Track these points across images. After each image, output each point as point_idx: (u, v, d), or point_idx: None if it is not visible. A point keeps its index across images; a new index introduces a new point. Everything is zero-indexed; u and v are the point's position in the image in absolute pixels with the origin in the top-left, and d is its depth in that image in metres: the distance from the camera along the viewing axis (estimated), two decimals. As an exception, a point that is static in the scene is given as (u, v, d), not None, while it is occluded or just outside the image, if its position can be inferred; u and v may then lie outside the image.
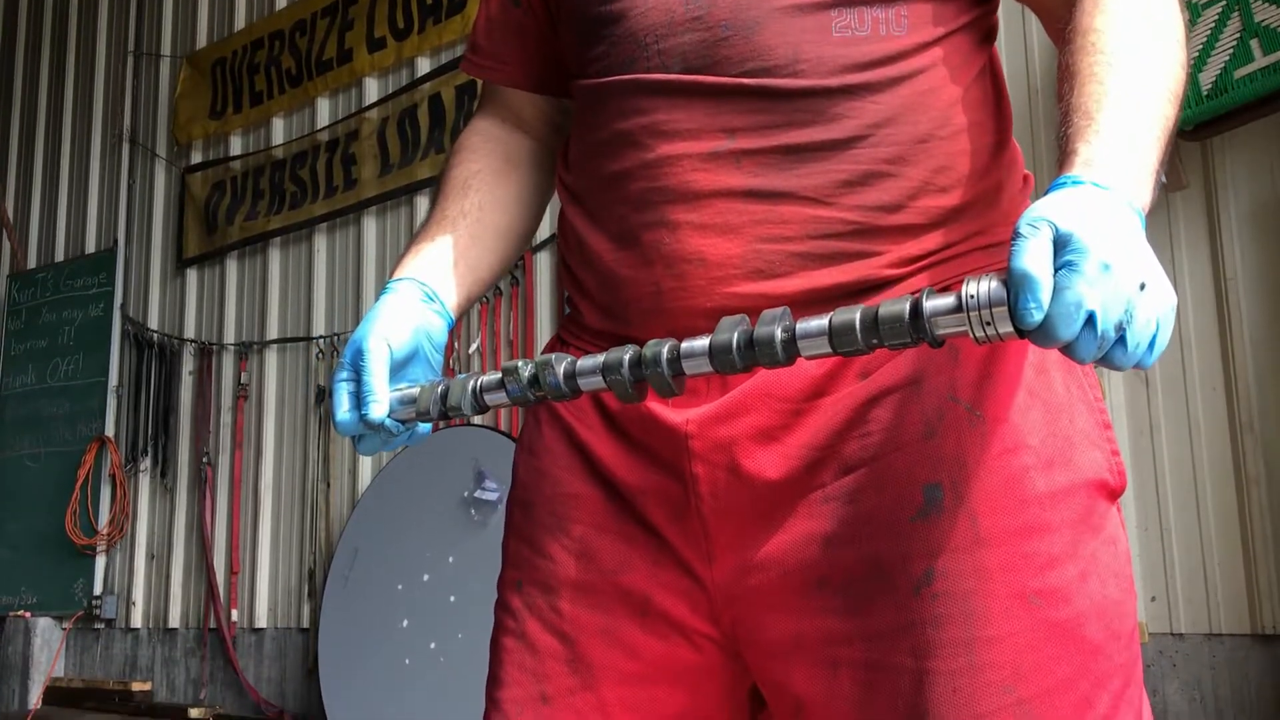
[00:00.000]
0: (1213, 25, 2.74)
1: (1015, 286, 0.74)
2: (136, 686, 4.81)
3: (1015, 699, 0.87)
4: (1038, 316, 0.74)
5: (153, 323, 5.33)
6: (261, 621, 4.65)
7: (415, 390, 1.00)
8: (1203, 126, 2.79)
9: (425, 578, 3.88)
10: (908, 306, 0.78)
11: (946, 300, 0.77)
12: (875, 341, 0.80)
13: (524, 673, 1.04)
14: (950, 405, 0.94)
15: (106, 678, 5.09)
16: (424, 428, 1.04)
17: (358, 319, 4.57)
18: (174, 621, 4.96)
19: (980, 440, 0.93)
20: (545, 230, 3.74)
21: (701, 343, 0.85)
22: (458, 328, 0.94)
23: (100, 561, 5.22)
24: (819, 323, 0.81)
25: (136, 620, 5.12)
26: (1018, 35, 3.23)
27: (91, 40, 5.96)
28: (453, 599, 3.78)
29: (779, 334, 0.82)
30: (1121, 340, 0.75)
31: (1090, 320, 0.74)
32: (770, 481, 0.96)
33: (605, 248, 1.04)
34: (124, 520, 5.18)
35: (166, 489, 5.12)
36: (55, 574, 5.28)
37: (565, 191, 1.13)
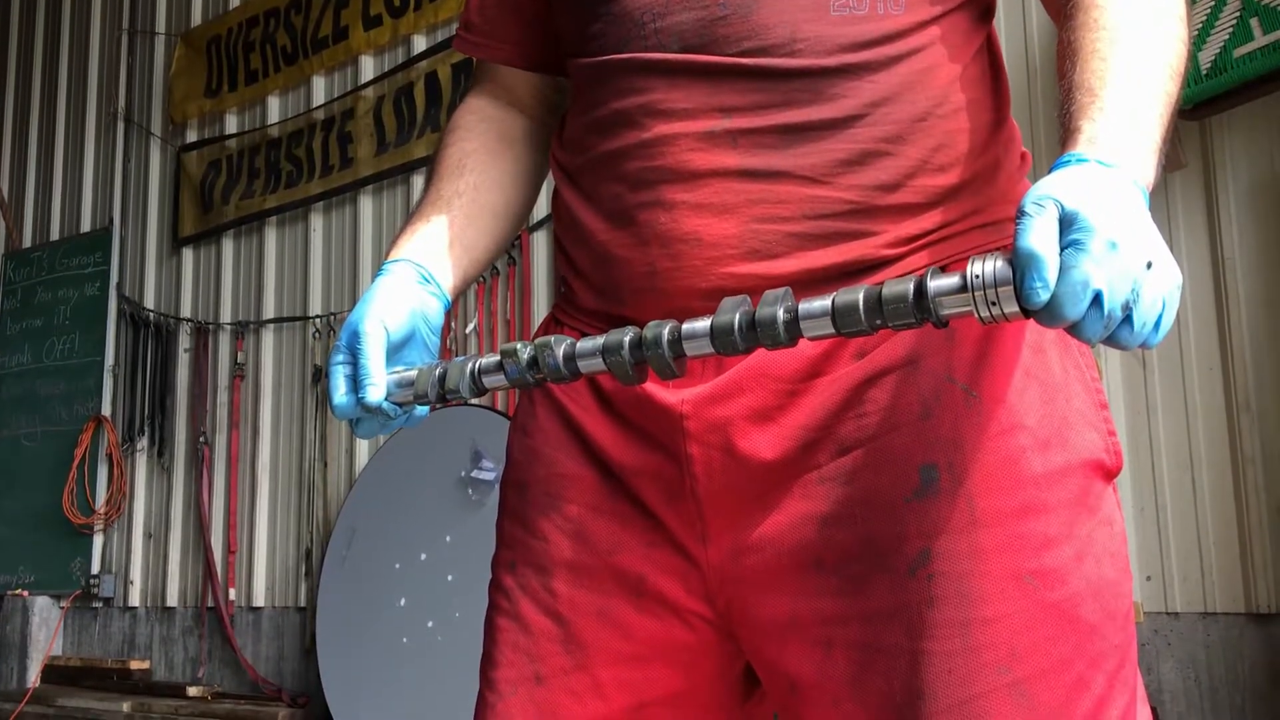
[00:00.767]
0: (1213, 3, 2.72)
1: (1021, 266, 0.74)
2: (135, 665, 4.83)
3: (1011, 679, 0.87)
4: (1044, 296, 0.73)
5: (149, 302, 5.31)
6: (259, 600, 4.66)
7: (412, 373, 1.00)
8: (1202, 105, 2.78)
9: (423, 557, 3.88)
10: (911, 286, 0.77)
11: (951, 280, 0.76)
12: (879, 322, 0.79)
13: (518, 653, 1.04)
14: (947, 386, 0.93)
15: (105, 656, 5.10)
16: (421, 410, 1.03)
17: (354, 298, 4.56)
18: (172, 600, 4.97)
19: (977, 421, 0.92)
20: (542, 210, 3.72)
21: (703, 324, 0.85)
22: (455, 308, 0.93)
23: (98, 540, 5.22)
24: (822, 303, 0.80)
25: (134, 599, 5.12)
26: (1016, 13, 3.21)
27: (86, 18, 5.92)
28: (450, 578, 3.78)
29: (781, 315, 0.81)
30: (1128, 320, 0.74)
31: (1097, 299, 0.73)
32: (765, 462, 0.96)
33: (600, 227, 1.03)
34: (121, 499, 5.18)
35: (164, 468, 5.12)
36: (53, 553, 5.28)
37: (560, 170, 1.12)
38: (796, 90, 0.95)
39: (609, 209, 1.02)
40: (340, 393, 1.01)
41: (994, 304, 0.75)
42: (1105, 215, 0.74)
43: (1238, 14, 2.69)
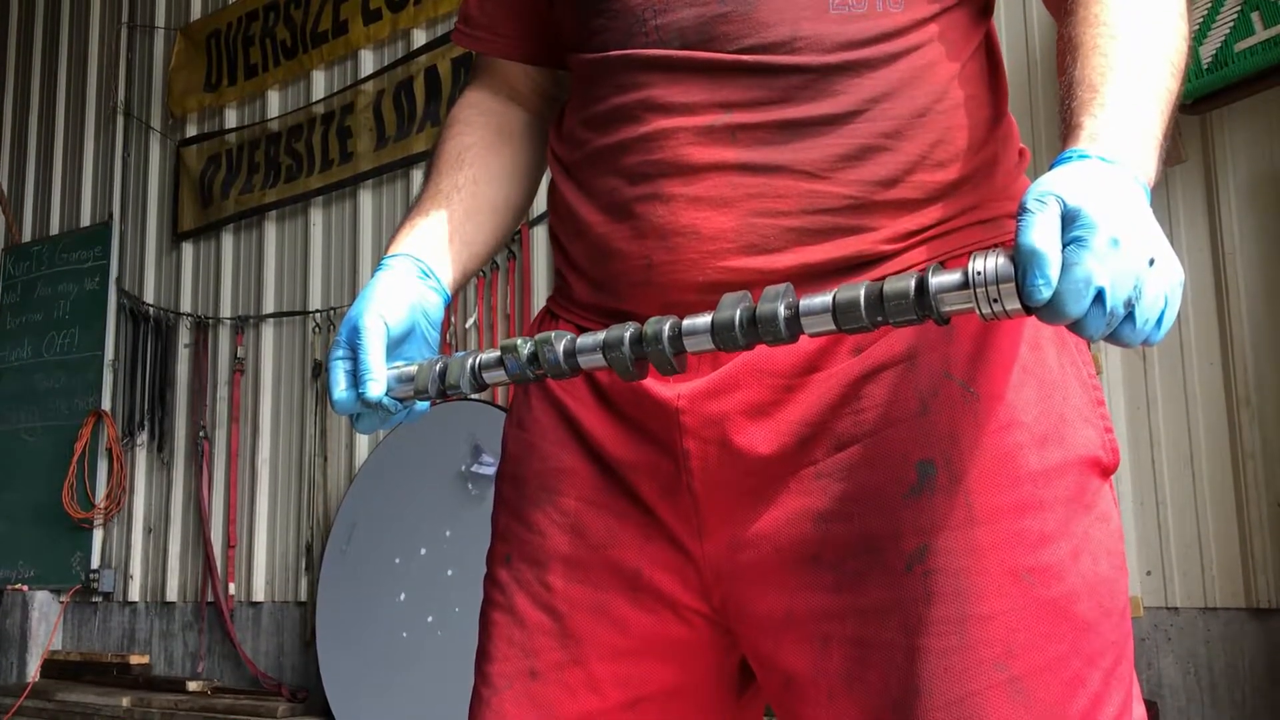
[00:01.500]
0: (1213, -3, 2.72)
1: (1023, 263, 0.73)
2: (134, 659, 4.83)
3: (1007, 676, 0.87)
4: (1046, 294, 0.73)
5: (149, 296, 5.31)
6: (259, 595, 4.66)
7: (413, 368, 1.00)
8: (1202, 100, 2.78)
9: (422, 551, 3.88)
10: (913, 283, 0.77)
11: (952, 277, 0.76)
12: (880, 319, 0.79)
13: (513, 647, 1.03)
14: (944, 382, 0.93)
15: (104, 650, 5.11)
16: (421, 405, 1.03)
17: (354, 293, 4.56)
18: (171, 595, 4.98)
19: (974, 417, 0.92)
20: (542, 203, 3.71)
21: (704, 320, 0.84)
22: (454, 302, 0.93)
23: (97, 535, 5.23)
24: (823, 299, 0.80)
25: (134, 593, 5.13)
26: (1017, 7, 3.21)
27: (85, 12, 5.91)
28: (450, 572, 3.79)
29: (782, 311, 0.81)
30: (1130, 317, 0.74)
31: (1099, 297, 0.73)
32: (762, 457, 0.96)
33: (597, 220, 1.03)
34: (121, 494, 5.18)
35: (163, 463, 5.12)
36: (53, 547, 5.28)
37: (557, 164, 1.12)
38: (796, 87, 0.95)
39: (606, 202, 1.02)
40: (340, 388, 1.01)
41: (995, 301, 0.74)
42: (1107, 212, 0.74)
43: (1239, 8, 2.69)
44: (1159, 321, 0.75)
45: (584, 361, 0.90)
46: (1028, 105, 3.11)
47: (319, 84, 4.88)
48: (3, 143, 6.18)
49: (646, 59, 1.00)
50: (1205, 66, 2.72)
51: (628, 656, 1.01)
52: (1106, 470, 0.96)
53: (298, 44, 4.92)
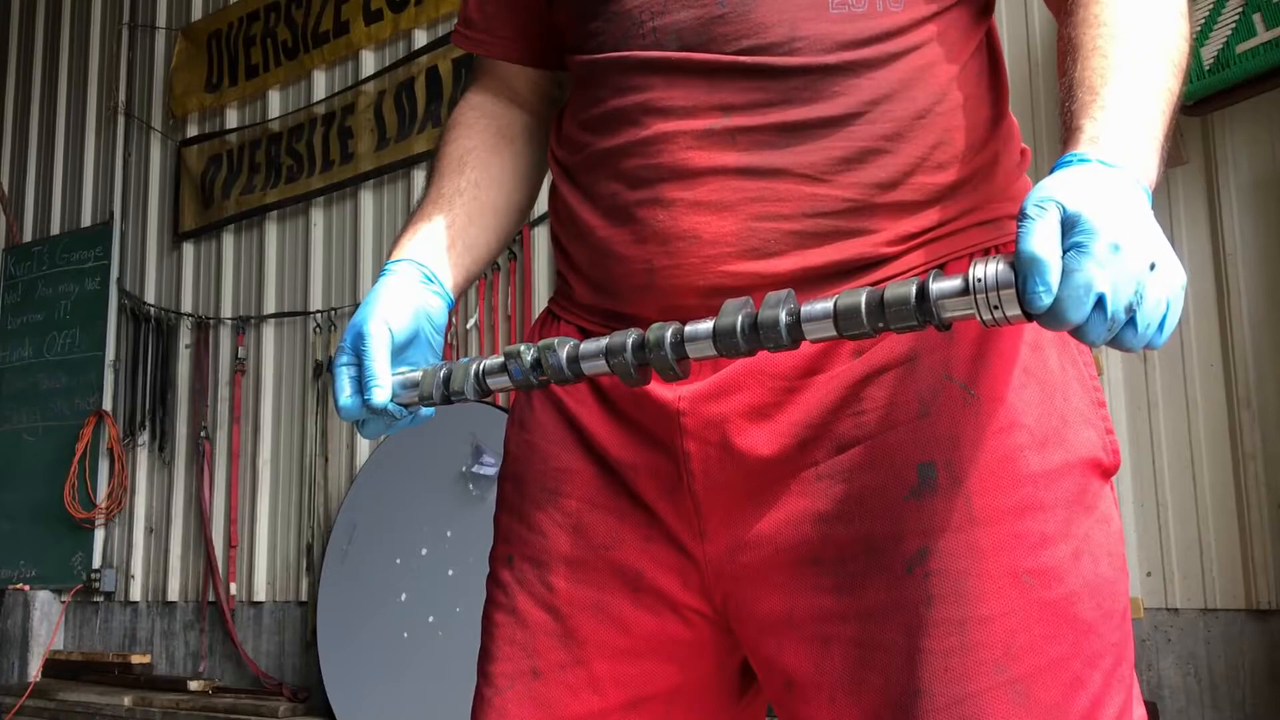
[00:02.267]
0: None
1: (1024, 269, 0.73)
2: (136, 659, 4.83)
3: (1007, 678, 0.87)
4: (1047, 300, 0.72)
5: (149, 297, 5.31)
6: (260, 595, 4.66)
7: (417, 374, 1.00)
8: (1203, 101, 2.78)
9: (423, 552, 3.88)
10: (914, 289, 0.77)
11: (953, 283, 0.76)
12: (881, 324, 0.79)
13: (515, 647, 1.04)
14: (945, 384, 0.93)
15: (106, 650, 5.11)
16: (427, 411, 1.03)
17: (355, 293, 4.56)
18: (173, 595, 4.98)
19: (975, 419, 0.92)
20: (543, 205, 3.70)
21: (705, 326, 0.84)
22: (456, 303, 0.94)
23: (99, 535, 5.22)
24: (824, 305, 0.80)
25: (135, 593, 5.13)
26: (1018, 6, 3.20)
27: (86, 12, 5.91)
28: (451, 573, 3.79)
29: (783, 317, 0.81)
30: (1131, 322, 0.74)
31: (1100, 302, 0.72)
32: (762, 458, 0.96)
33: (598, 224, 1.03)
34: (122, 494, 5.18)
35: (165, 463, 5.12)
36: (54, 547, 5.28)
37: (557, 166, 1.12)
38: (796, 88, 0.95)
39: (607, 206, 1.02)
40: (345, 394, 1.01)
41: (996, 308, 0.74)
42: (1108, 217, 0.73)
43: (1240, 10, 2.69)
44: (1161, 326, 0.75)
45: (587, 367, 0.90)
46: (1029, 104, 3.11)
47: (320, 84, 4.88)
48: (3, 142, 6.18)
49: (644, 61, 0.99)
50: (1207, 68, 2.72)
51: (629, 657, 1.01)
52: (1107, 472, 0.96)
53: (299, 44, 4.92)
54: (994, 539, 0.90)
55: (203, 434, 4.93)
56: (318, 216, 4.77)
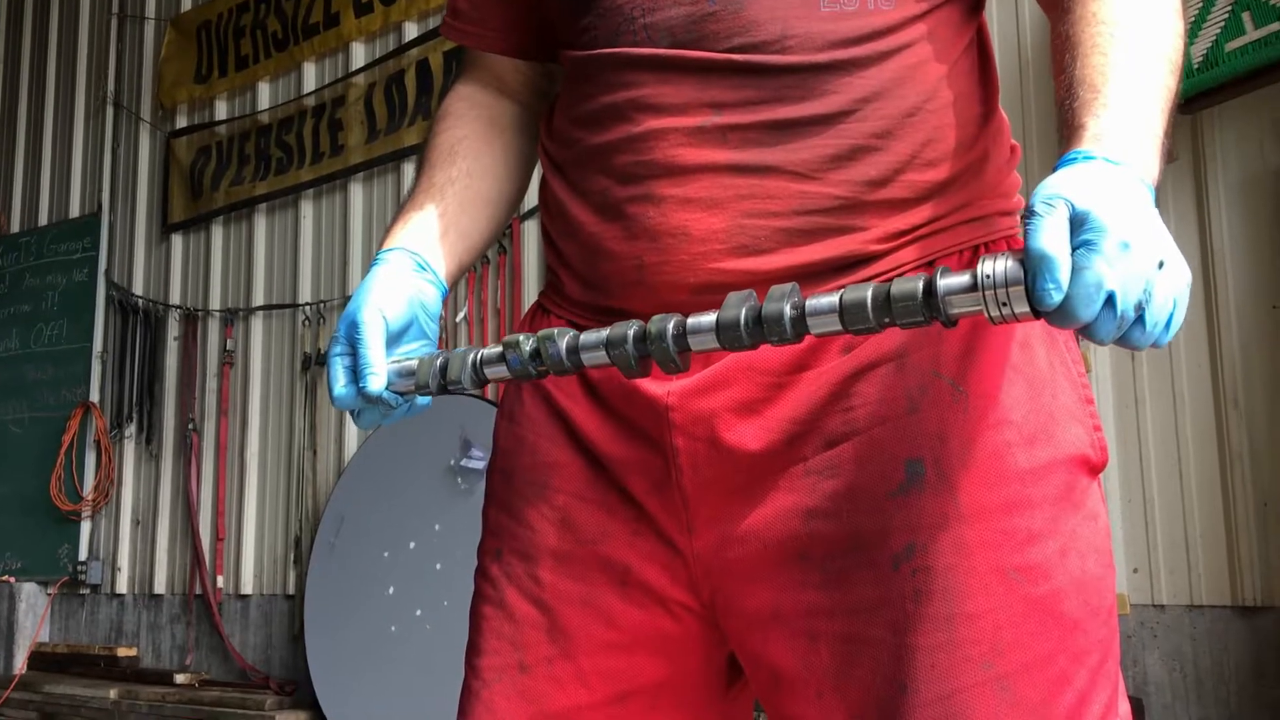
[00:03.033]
0: (1205, -3, 2.72)
1: (1033, 267, 0.72)
2: (122, 652, 4.81)
3: (994, 674, 0.87)
4: (1057, 298, 0.72)
5: (137, 288, 5.29)
6: (247, 588, 4.65)
7: (413, 363, 0.99)
8: (1193, 99, 2.78)
9: (411, 545, 3.88)
10: (921, 285, 0.76)
11: (961, 279, 0.75)
12: (887, 320, 0.78)
13: (502, 641, 1.03)
14: (933, 380, 0.93)
15: (92, 643, 5.10)
16: (423, 400, 1.02)
17: (344, 286, 4.55)
18: (159, 587, 4.96)
19: (963, 415, 0.92)
20: (533, 198, 3.71)
21: (708, 319, 0.84)
22: (450, 292, 0.93)
23: (85, 527, 5.21)
24: (829, 300, 0.79)
25: (122, 586, 5.11)
26: (1009, 5, 3.21)
27: (74, 2, 5.88)
28: (439, 566, 3.78)
29: (788, 311, 0.80)
30: (1140, 320, 0.73)
31: (1109, 300, 0.72)
32: (751, 454, 0.96)
33: (588, 219, 1.03)
34: (109, 486, 5.16)
35: (152, 455, 5.10)
36: (40, 539, 5.27)
37: (548, 161, 1.11)
38: (787, 86, 0.95)
39: (597, 202, 1.02)
40: (340, 384, 1.00)
41: (1004, 304, 0.74)
42: (1117, 215, 0.73)
43: (1229, 8, 2.69)
44: (1168, 324, 0.75)
45: (587, 358, 0.90)
46: (1019, 101, 3.11)
47: (310, 76, 4.86)
48: (-9, 132, 6.15)
49: (636, 58, 0.99)
50: (1196, 66, 2.73)
51: (616, 650, 1.01)
52: (1095, 469, 0.97)
53: (289, 36, 4.90)
54: (981, 535, 0.90)
55: (190, 426, 4.91)
56: (307, 209, 4.76)
